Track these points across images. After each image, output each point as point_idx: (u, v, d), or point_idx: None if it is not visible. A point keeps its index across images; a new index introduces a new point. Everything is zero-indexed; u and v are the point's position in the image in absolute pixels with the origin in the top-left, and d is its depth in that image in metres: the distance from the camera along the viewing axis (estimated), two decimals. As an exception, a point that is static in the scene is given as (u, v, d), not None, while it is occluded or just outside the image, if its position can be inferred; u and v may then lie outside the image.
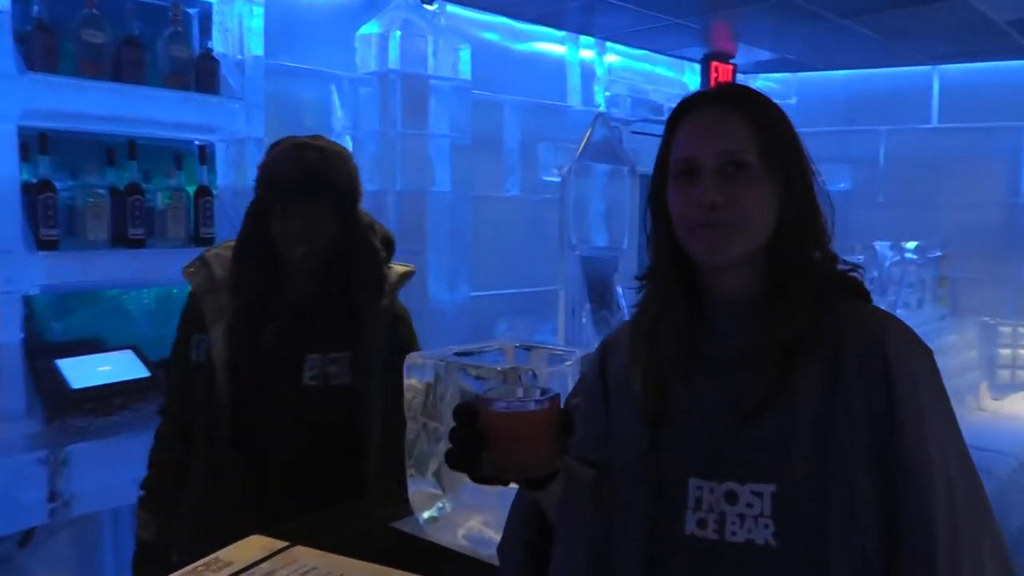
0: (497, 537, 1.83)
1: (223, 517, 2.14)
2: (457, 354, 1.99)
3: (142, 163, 3.45)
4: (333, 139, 4.37)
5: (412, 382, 2.02)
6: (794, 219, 1.27)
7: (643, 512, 1.28)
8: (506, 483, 1.27)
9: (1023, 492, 5.45)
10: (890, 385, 1.19)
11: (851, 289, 1.32)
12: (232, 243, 2.28)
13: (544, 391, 1.23)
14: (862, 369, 1.21)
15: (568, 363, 1.94)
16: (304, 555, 1.77)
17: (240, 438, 2.17)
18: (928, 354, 1.27)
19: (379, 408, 2.23)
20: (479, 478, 1.24)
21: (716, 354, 1.30)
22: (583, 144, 4.31)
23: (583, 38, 5.83)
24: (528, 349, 2.09)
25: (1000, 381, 6.86)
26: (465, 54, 4.70)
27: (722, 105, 1.29)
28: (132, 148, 3.39)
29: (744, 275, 1.29)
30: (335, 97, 4.52)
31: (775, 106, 1.32)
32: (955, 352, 6.22)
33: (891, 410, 1.18)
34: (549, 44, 5.68)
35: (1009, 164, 6.95)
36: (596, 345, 1.52)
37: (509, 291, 5.37)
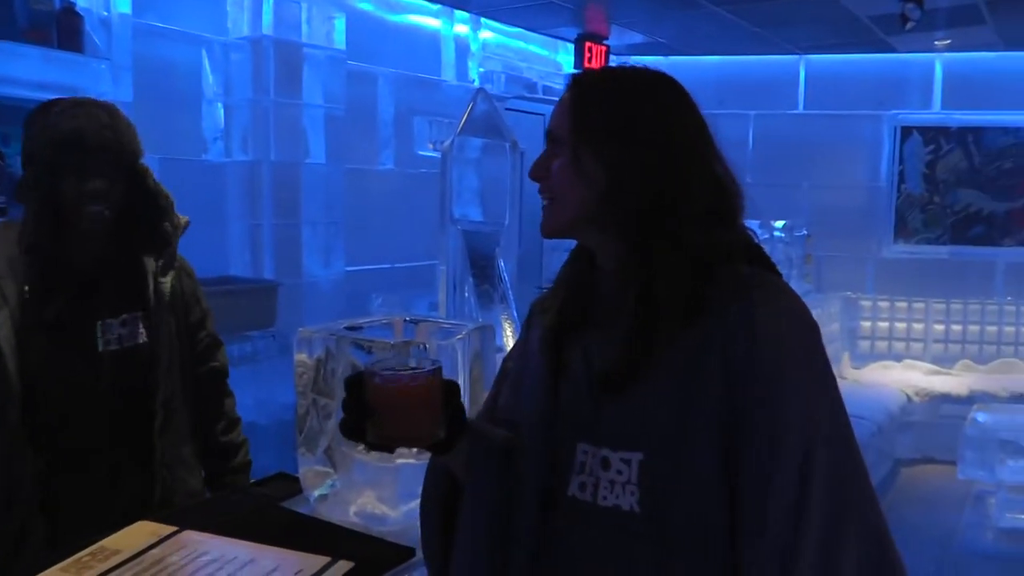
0: (389, 513, 1.89)
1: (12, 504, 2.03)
2: (347, 328, 1.98)
3: (1, 125, 3.33)
4: (204, 106, 4.41)
5: (302, 357, 2.00)
6: (621, 189, 1.25)
7: (537, 472, 1.33)
8: (392, 451, 1.31)
9: (880, 454, 5.83)
10: (751, 351, 1.18)
11: (743, 258, 1.29)
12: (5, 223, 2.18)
13: (433, 363, 1.26)
14: (730, 335, 1.19)
15: (459, 336, 1.96)
16: (194, 539, 1.73)
17: (36, 420, 2.05)
18: (807, 326, 1.24)
19: (175, 366, 2.21)
20: (370, 446, 1.27)
21: (602, 321, 1.32)
22: (464, 118, 4.37)
23: (458, 12, 5.89)
24: (416, 323, 2.12)
25: (861, 351, 7.34)
26: (340, 23, 4.70)
27: (570, 87, 1.34)
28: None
29: (599, 247, 1.33)
30: (206, 62, 4.43)
31: (617, 82, 1.32)
32: (820, 325, 6.50)
33: (751, 379, 1.17)
34: (424, 17, 5.72)
35: (870, 150, 7.41)
36: (479, 319, 1.55)
37: (384, 266, 5.38)
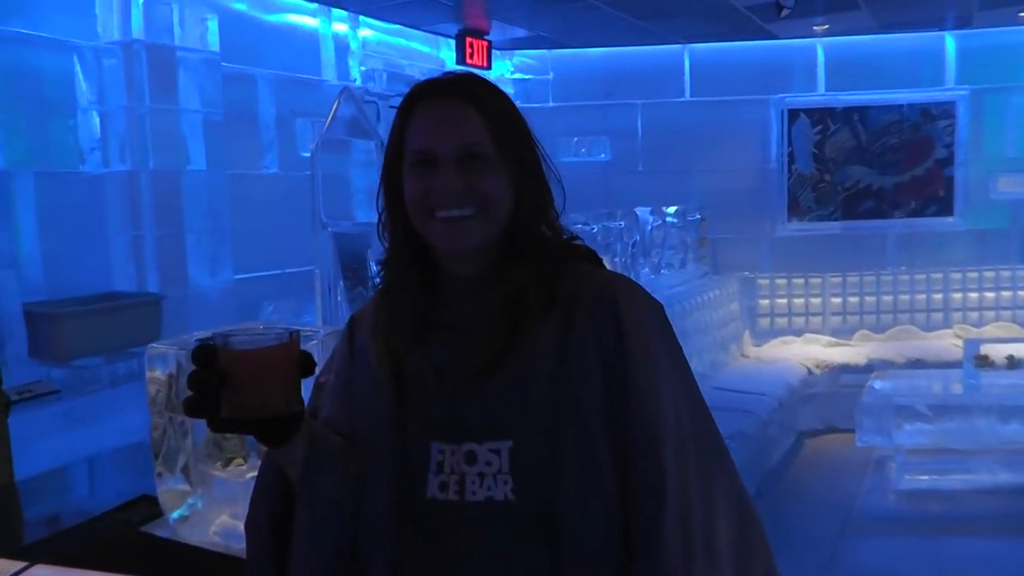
0: None
1: None
2: (198, 341, 1.96)
3: None
4: (79, 115, 4.47)
5: (155, 374, 2.00)
6: (528, 199, 1.37)
7: (389, 478, 1.36)
8: (247, 429, 1.27)
9: (783, 428, 6.14)
10: (621, 336, 1.31)
11: (579, 255, 1.44)
12: None
13: (287, 330, 1.26)
14: (594, 323, 1.32)
15: (313, 342, 2.03)
16: (44, 574, 1.72)
17: None
18: (658, 307, 1.40)
19: None
20: (220, 425, 1.24)
21: (450, 322, 1.39)
22: (329, 119, 4.50)
23: (336, 11, 6.02)
24: (267, 331, 2.19)
25: (761, 329, 7.71)
26: (213, 24, 4.80)
27: (455, 98, 1.35)
28: None
29: (478, 254, 1.37)
30: (78, 68, 4.48)
31: (504, 95, 1.41)
32: (718, 305, 6.88)
33: (622, 359, 1.30)
34: (301, 16, 5.84)
35: (760, 133, 7.84)
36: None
37: (274, 272, 5.46)
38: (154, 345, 2.03)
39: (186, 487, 2.03)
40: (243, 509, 1.86)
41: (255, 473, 1.83)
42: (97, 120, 4.61)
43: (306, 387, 1.32)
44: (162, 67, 4.61)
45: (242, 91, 5.36)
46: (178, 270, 4.81)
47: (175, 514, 2.05)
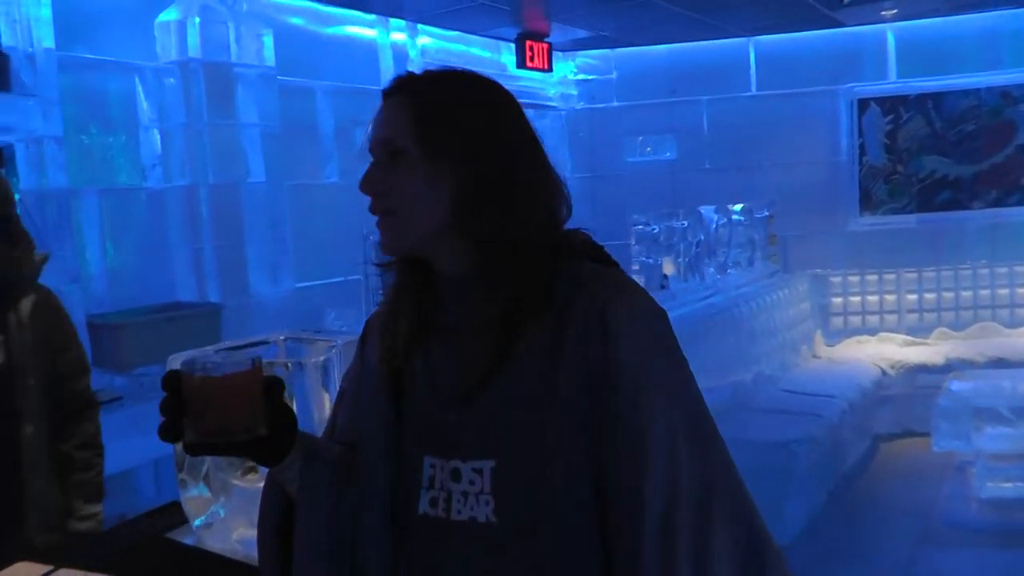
0: None
1: None
2: (221, 351, 1.98)
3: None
4: (141, 133, 4.61)
5: None
6: (476, 197, 1.26)
7: (383, 490, 1.33)
8: (214, 452, 1.29)
9: (856, 431, 6.01)
10: (608, 351, 1.21)
11: (586, 255, 1.33)
12: None
13: (251, 359, 1.26)
14: (583, 337, 1.22)
15: (328, 355, 2.03)
16: None
17: None
18: (658, 317, 1.28)
19: (35, 388, 2.53)
20: (191, 447, 1.25)
21: (447, 323, 1.33)
22: (369, 128, 4.56)
23: (394, 20, 6.09)
24: (299, 341, 2.20)
25: (833, 328, 7.53)
26: (268, 39, 4.89)
27: (392, 96, 1.30)
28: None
29: (447, 255, 1.31)
30: (139, 89, 4.64)
31: (455, 88, 1.32)
32: (788, 305, 6.78)
33: (609, 377, 1.21)
34: (359, 27, 5.92)
35: (829, 125, 7.67)
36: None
37: (336, 280, 5.55)
38: (173, 356, 2.03)
39: (209, 495, 2.06)
40: (255, 517, 1.92)
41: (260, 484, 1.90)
42: (158, 137, 4.75)
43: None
44: (219, 83, 4.72)
45: (301, 103, 5.47)
46: (239, 280, 4.92)
47: (197, 521, 2.08)
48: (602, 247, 1.37)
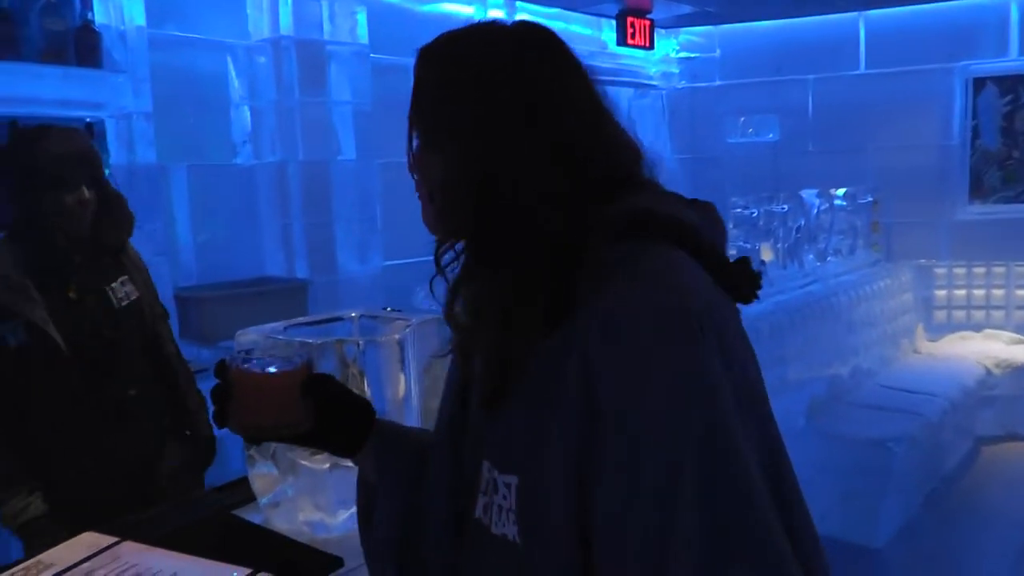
0: (329, 520, 1.96)
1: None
2: (292, 327, 2.03)
3: (26, 144, 3.60)
4: (232, 111, 4.64)
5: None
6: (464, 171, 1.14)
7: (445, 490, 1.27)
8: (257, 441, 1.40)
9: (958, 432, 5.79)
10: (603, 364, 1.02)
11: (622, 231, 1.10)
12: None
13: (301, 357, 1.31)
14: (583, 340, 1.03)
15: (403, 335, 1.99)
16: (129, 551, 1.73)
17: (91, 383, 2.60)
18: (665, 315, 1.01)
19: (162, 317, 2.91)
20: (243, 436, 1.32)
21: None
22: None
23: (492, -2, 6.01)
24: (374, 318, 2.18)
25: (936, 322, 7.22)
26: (362, 17, 4.88)
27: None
28: (14, 128, 3.52)
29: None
30: (230, 66, 4.67)
31: (444, 57, 1.19)
32: (889, 296, 6.55)
33: (603, 397, 1.02)
34: (456, 5, 5.85)
35: (941, 106, 7.28)
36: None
37: (427, 258, 5.49)
38: (240, 331, 2.05)
39: (277, 473, 2.05)
40: (320, 498, 1.96)
41: (331, 464, 1.91)
42: (248, 114, 4.79)
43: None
44: (311, 61, 4.72)
45: (394, 81, 5.35)
46: (327, 256, 4.94)
47: (264, 499, 2.08)
48: (651, 212, 1.12)
